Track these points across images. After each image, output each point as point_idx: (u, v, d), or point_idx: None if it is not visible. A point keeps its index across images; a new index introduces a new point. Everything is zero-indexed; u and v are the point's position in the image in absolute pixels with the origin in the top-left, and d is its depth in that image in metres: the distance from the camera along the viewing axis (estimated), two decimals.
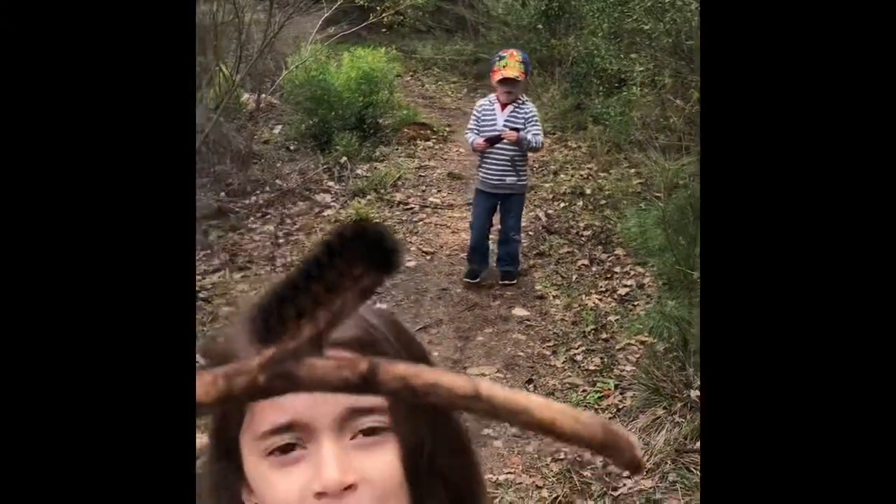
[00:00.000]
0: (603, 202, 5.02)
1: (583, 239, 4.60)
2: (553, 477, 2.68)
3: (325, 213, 5.02)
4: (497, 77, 3.83)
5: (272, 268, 4.25)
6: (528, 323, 3.72)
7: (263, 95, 6.21)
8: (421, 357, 0.62)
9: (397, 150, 6.30)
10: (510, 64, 3.81)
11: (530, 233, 4.66)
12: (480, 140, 3.85)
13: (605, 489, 2.61)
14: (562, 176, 5.61)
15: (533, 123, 3.84)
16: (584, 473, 2.68)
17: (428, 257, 4.47)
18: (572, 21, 7.23)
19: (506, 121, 3.84)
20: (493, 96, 3.96)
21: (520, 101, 3.89)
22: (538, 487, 2.64)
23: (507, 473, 2.70)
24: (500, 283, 4.05)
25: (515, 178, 3.92)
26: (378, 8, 7.79)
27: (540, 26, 7.39)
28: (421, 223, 4.96)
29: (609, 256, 4.34)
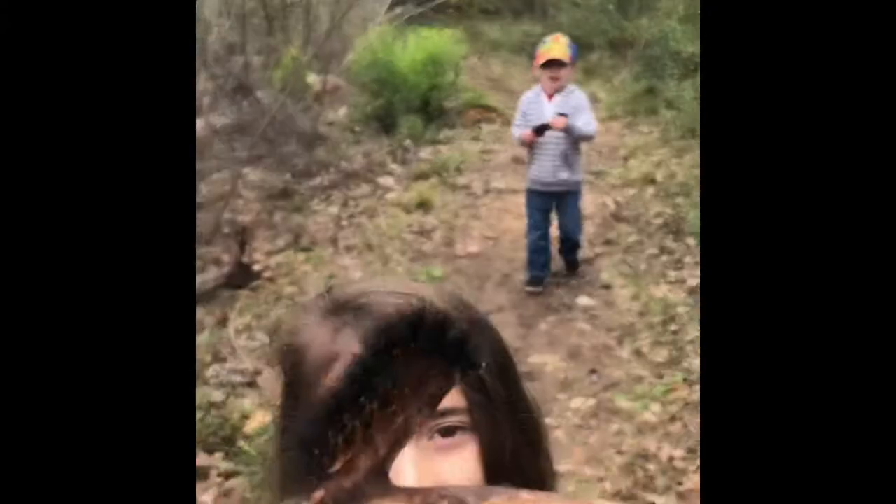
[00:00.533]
0: (675, 190, 4.85)
1: (652, 227, 4.45)
2: (616, 469, 2.59)
3: (387, 196, 5.01)
4: (541, 61, 3.56)
5: (335, 250, 4.25)
6: (593, 312, 3.62)
7: (330, 76, 6.23)
8: (498, 349, 0.57)
9: (462, 133, 6.24)
10: (554, 47, 3.56)
11: (597, 220, 4.54)
12: (527, 131, 3.56)
13: (670, 484, 2.51)
14: (632, 162, 5.45)
15: (583, 112, 3.57)
16: (649, 467, 2.58)
17: (490, 243, 4.41)
18: (645, 2, 7.02)
19: (553, 112, 3.56)
20: (538, 88, 3.67)
21: (567, 91, 3.61)
22: (600, 479, 2.55)
23: (568, 464, 2.63)
24: (566, 272, 3.95)
25: (569, 174, 3.64)
26: None
27: (611, 7, 7.20)
28: (484, 207, 4.90)
29: (680, 246, 4.19)
